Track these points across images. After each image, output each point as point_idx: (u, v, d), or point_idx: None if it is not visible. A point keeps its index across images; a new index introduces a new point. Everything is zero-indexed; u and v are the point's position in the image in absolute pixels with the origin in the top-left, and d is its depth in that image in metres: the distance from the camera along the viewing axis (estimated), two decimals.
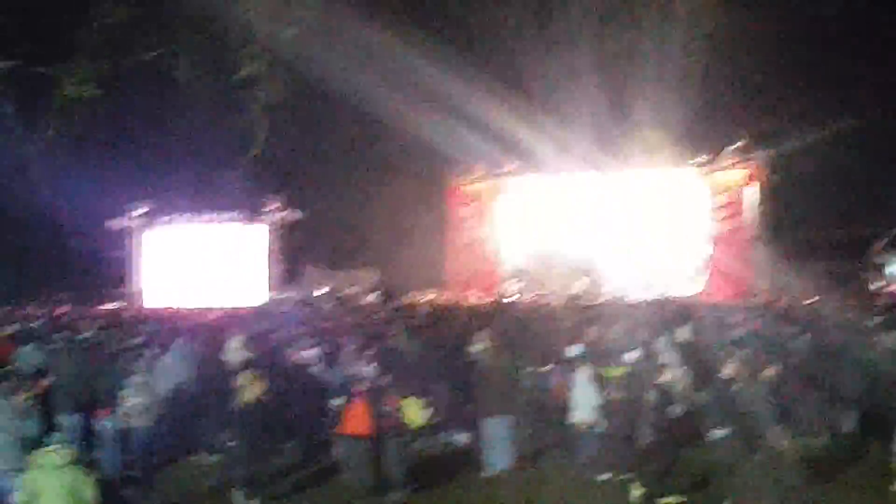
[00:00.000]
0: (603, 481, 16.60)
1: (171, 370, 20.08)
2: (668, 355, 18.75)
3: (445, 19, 39.99)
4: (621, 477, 16.35)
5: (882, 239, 38.99)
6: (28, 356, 20.96)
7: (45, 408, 17.07)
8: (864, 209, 40.67)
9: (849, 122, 37.83)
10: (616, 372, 16.83)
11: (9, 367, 19.13)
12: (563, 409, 17.78)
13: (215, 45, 35.89)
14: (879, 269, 38.46)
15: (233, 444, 16.34)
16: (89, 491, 11.04)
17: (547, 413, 18.30)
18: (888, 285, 36.90)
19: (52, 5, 33.35)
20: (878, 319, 22.00)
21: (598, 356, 18.19)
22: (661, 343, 19.65)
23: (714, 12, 39.22)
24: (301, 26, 35.30)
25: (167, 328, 25.89)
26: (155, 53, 35.49)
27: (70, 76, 34.17)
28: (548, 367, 19.07)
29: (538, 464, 17.60)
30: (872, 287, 37.10)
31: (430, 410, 18.60)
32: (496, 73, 37.86)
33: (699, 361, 19.30)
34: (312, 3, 34.86)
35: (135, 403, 18.06)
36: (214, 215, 41.97)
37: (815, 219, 40.75)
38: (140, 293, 41.94)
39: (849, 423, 19.03)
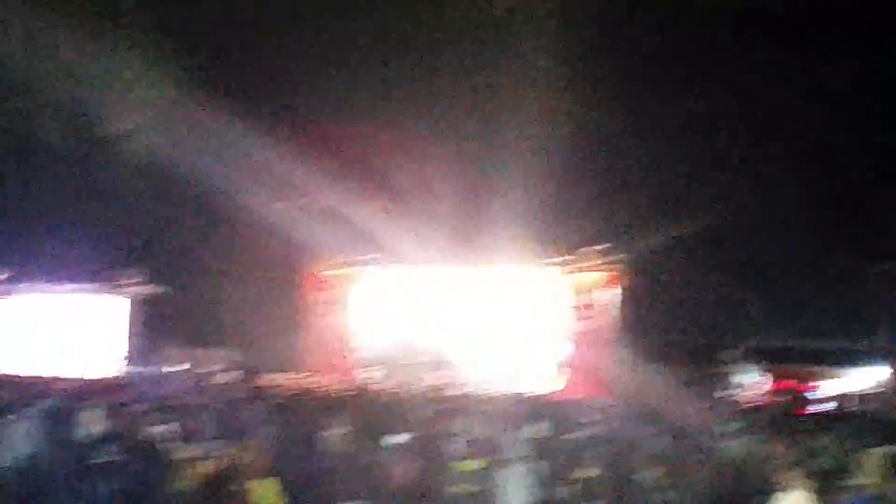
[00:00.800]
0: None
1: (17, 440, 19.72)
2: (516, 452, 19.11)
3: (305, 102, 40.38)
4: None
5: (732, 349, 40.09)
6: None
7: None
8: (720, 317, 41.80)
9: (705, 224, 39.02)
10: (472, 465, 16.92)
11: None
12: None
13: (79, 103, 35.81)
14: (731, 377, 39.51)
15: None
16: None
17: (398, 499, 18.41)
18: (733, 394, 37.89)
19: None
20: (725, 427, 22.67)
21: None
22: (509, 438, 20.01)
23: (571, 111, 40.27)
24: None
25: (15, 395, 25.43)
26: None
27: None
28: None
29: None
30: (718, 394, 38.09)
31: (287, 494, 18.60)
32: (354, 165, 38.40)
33: (554, 459, 19.72)
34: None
35: None
36: (74, 285, 41.31)
37: (672, 324, 41.74)
38: None
39: None
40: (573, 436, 20.47)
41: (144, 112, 37.48)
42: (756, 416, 27.25)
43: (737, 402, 35.57)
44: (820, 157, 38.95)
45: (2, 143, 37.59)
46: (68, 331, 40.98)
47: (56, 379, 31.94)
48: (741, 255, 41.50)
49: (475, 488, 16.70)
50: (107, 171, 39.97)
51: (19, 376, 33.86)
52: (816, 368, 41.78)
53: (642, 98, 39.21)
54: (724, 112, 39.36)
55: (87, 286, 41.56)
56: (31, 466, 19.39)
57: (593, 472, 18.40)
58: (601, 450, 20.39)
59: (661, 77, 39.08)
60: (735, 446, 20.03)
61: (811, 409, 36.23)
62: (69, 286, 41.45)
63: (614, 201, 41.17)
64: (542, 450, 20.05)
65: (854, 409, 37.92)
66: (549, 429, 21.31)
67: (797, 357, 41.76)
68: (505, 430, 20.70)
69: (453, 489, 17.20)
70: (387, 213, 38.28)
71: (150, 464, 19.07)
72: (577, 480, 18.02)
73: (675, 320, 42.20)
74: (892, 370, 44.83)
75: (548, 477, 19.29)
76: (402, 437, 17.91)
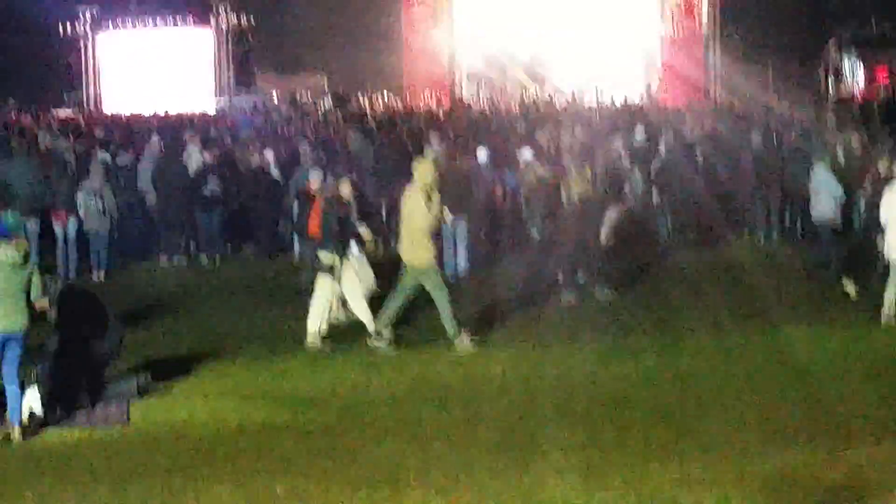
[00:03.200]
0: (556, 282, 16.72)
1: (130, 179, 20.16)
2: (624, 159, 19.02)
3: None
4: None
5: (834, 39, 38.96)
6: None
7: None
8: (817, 12, 40.58)
9: None
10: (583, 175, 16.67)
11: None
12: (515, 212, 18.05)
13: None
14: (835, 69, 38.53)
15: None
16: (47, 287, 11.15)
17: (501, 216, 18.53)
18: (843, 85, 37.02)
19: None
20: (831, 120, 22.29)
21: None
22: (616, 146, 19.89)
23: None
24: None
25: (125, 133, 25.85)
26: None
27: None
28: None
29: (494, 269, 17.68)
30: (828, 87, 37.26)
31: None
32: None
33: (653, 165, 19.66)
34: None
35: (92, 207, 18.17)
36: (165, 19, 41.15)
37: (769, 19, 40.63)
38: (96, 98, 41.43)
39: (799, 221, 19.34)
40: (666, 141, 20.19)
41: None
42: (858, 109, 26.78)
43: (838, 94, 34.78)
44: None
45: None
46: (164, 66, 41.07)
47: (159, 115, 32.31)
48: None
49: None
50: None
51: (123, 115, 34.34)
52: None
53: None
54: None
55: (179, 19, 41.34)
56: (145, 202, 19.93)
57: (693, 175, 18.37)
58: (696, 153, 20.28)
59: None
60: (834, 141, 19.66)
61: None
62: (160, 20, 41.27)
63: None
64: (642, 156, 19.98)
65: None
66: (647, 135, 21.07)
67: None
68: (607, 139, 20.55)
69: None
70: None
71: (256, 192, 19.47)
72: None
73: (773, 16, 41.10)
74: None
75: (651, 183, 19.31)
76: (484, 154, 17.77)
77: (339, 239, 13.87)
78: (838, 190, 15.52)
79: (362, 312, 13.73)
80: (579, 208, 15.96)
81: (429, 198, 13.18)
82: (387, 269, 14.53)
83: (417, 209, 13.18)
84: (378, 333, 13.22)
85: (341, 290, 13.88)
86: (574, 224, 15.89)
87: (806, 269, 17.11)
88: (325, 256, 13.75)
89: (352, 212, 14.28)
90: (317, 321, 13.62)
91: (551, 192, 16.39)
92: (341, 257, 13.75)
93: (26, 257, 10.47)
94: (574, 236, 15.84)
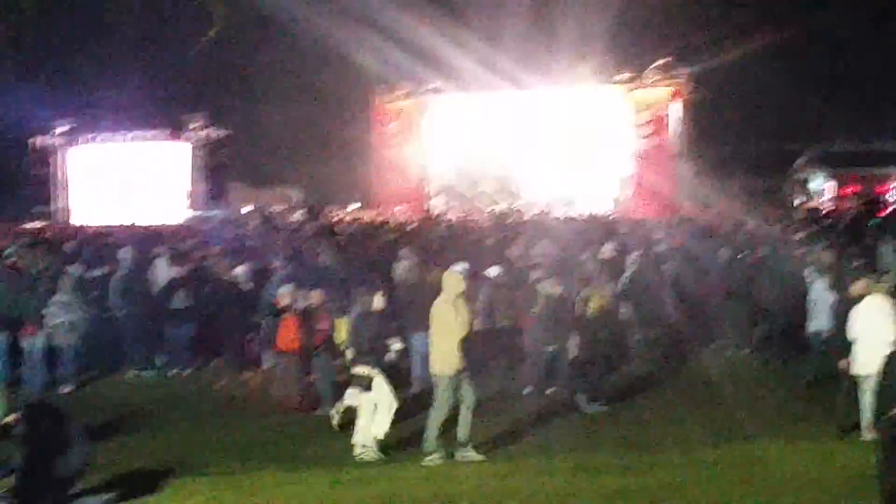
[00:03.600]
0: (527, 394, 16.83)
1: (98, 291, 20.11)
2: (593, 271, 19.07)
3: None
4: (547, 391, 16.68)
5: (804, 155, 39.52)
6: None
7: None
8: (786, 125, 41.24)
9: (770, 37, 38.22)
10: (553, 290, 16.86)
11: None
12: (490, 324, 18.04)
13: None
14: (802, 184, 39.01)
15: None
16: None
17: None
18: (810, 200, 37.44)
19: None
20: (800, 234, 22.46)
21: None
22: (585, 259, 19.99)
23: None
24: None
25: (96, 245, 25.78)
26: None
27: None
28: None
29: None
30: (795, 202, 37.69)
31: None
32: None
33: (623, 278, 19.72)
34: None
35: (61, 321, 18.09)
36: (138, 133, 41.45)
37: (738, 135, 41.28)
38: (66, 211, 41.49)
39: (767, 335, 19.37)
40: (636, 254, 20.32)
41: None
42: (826, 223, 26.98)
43: (806, 209, 35.13)
44: None
45: None
46: (136, 178, 41.25)
47: (130, 227, 32.31)
48: (811, 62, 40.70)
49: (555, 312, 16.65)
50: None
51: (93, 228, 34.30)
52: (891, 170, 40.97)
53: None
54: None
55: (153, 133, 41.64)
56: (112, 315, 19.84)
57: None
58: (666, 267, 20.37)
59: None
60: (802, 256, 19.82)
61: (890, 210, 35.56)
62: (132, 134, 41.56)
63: (678, 15, 40.44)
64: (612, 269, 20.05)
65: None
66: (614, 249, 21.20)
67: (869, 160, 41.03)
68: (576, 252, 20.70)
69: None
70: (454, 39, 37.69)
71: (226, 306, 19.38)
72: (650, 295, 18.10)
73: (744, 131, 41.73)
74: None
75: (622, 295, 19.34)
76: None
77: (371, 350, 14.19)
78: (836, 305, 15.60)
79: (382, 425, 13.87)
80: (599, 322, 16.23)
81: (459, 309, 13.37)
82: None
83: (449, 320, 13.35)
84: (429, 454, 13.32)
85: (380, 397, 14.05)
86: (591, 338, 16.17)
87: (777, 381, 17.10)
88: (361, 370, 14.05)
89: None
90: (369, 434, 13.85)
91: (567, 308, 16.64)
92: (375, 368, 14.06)
93: None
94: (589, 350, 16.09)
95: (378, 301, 14.70)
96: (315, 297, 16.28)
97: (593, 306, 16.27)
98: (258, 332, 18.33)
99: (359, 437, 13.84)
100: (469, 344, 13.39)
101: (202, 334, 20.01)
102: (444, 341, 13.36)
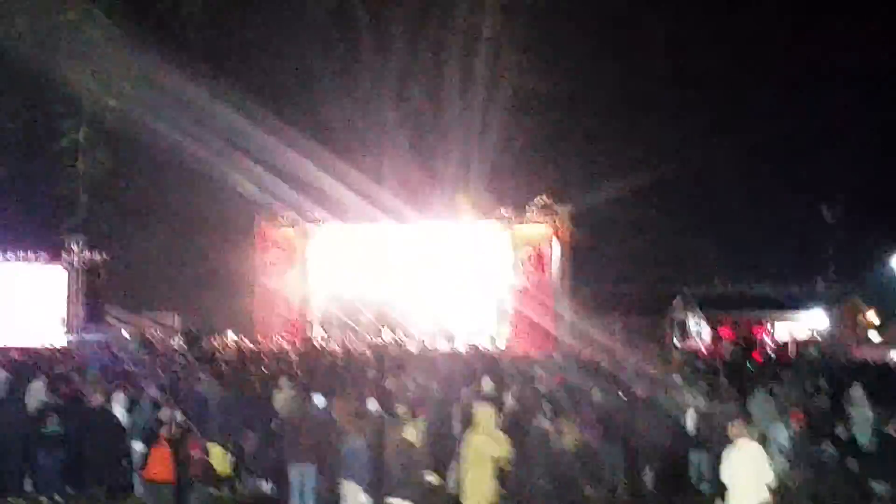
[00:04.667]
0: None
1: None
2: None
3: (255, 70, 40.32)
4: None
5: (681, 297, 40.34)
6: None
7: None
8: (664, 266, 42.10)
9: (648, 176, 39.21)
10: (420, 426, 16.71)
11: None
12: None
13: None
14: (680, 325, 39.73)
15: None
16: None
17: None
18: (688, 341, 38.12)
19: None
20: (678, 377, 22.70)
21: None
22: (467, 394, 19.95)
23: (516, 70, 40.38)
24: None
25: None
26: None
27: None
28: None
29: None
30: (674, 342, 38.29)
31: (234, 458, 18.53)
32: (304, 123, 38.27)
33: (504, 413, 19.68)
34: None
35: None
36: (13, 254, 40.68)
37: (618, 274, 41.98)
38: None
39: (648, 477, 19.41)
40: (515, 391, 20.34)
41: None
42: (703, 366, 27.39)
43: (684, 350, 35.70)
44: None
45: None
46: (10, 301, 40.37)
47: (2, 350, 31.53)
48: (688, 205, 41.82)
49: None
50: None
51: None
52: (766, 313, 41.94)
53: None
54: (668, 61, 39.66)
55: (29, 255, 40.93)
56: None
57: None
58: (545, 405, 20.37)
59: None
60: (680, 397, 20.02)
61: (765, 354, 36.36)
62: (7, 255, 40.77)
63: (556, 155, 41.31)
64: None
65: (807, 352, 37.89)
66: (493, 385, 21.22)
67: (746, 303, 42.01)
68: (449, 387, 20.71)
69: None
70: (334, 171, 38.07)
71: (99, 433, 18.91)
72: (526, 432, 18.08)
73: (622, 270, 42.47)
74: (837, 312, 45.37)
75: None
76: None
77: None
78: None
79: None
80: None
81: (492, 440, 13.66)
82: None
83: (484, 451, 13.63)
84: None
85: None
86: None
87: None
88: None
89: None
90: None
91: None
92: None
93: None
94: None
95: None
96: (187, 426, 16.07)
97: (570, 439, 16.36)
98: (130, 458, 17.92)
99: None
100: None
101: (74, 460, 19.46)
102: (478, 472, 13.62)
